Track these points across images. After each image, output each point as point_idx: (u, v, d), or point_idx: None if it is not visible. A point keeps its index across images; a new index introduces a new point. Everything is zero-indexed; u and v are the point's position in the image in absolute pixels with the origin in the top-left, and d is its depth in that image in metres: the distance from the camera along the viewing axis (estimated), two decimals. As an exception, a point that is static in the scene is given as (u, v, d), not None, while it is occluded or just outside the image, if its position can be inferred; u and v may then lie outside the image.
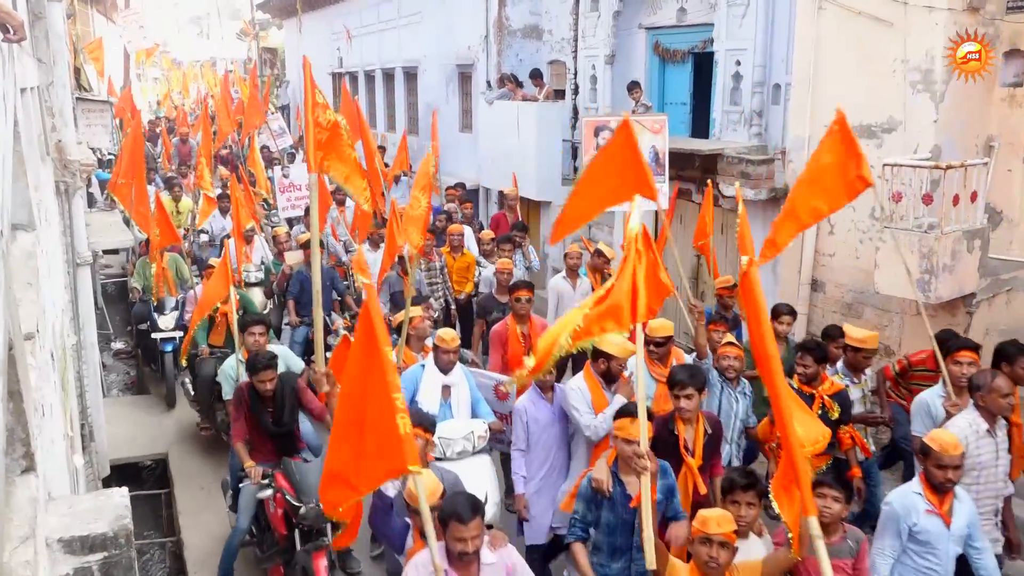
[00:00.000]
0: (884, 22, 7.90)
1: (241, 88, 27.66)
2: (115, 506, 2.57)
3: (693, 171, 10.35)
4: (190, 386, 8.85)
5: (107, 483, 7.74)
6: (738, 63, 9.93)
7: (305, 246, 9.50)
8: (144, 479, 8.71)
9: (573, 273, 8.47)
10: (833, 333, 6.44)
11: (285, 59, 31.39)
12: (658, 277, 4.38)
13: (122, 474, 8.24)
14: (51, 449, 3.10)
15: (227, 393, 6.92)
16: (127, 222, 12.23)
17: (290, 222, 13.14)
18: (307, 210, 11.59)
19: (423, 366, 6.02)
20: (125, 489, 2.71)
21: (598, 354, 5.28)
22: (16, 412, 2.25)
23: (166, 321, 9.65)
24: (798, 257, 8.87)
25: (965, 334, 7.29)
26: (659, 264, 4.48)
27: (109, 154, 19.49)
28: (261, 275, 10.02)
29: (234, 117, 19.73)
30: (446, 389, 5.89)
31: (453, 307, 9.54)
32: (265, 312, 9.27)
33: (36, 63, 6.19)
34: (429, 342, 6.46)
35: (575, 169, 13.59)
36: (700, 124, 11.12)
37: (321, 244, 8.85)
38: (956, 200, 7.26)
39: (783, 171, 9.26)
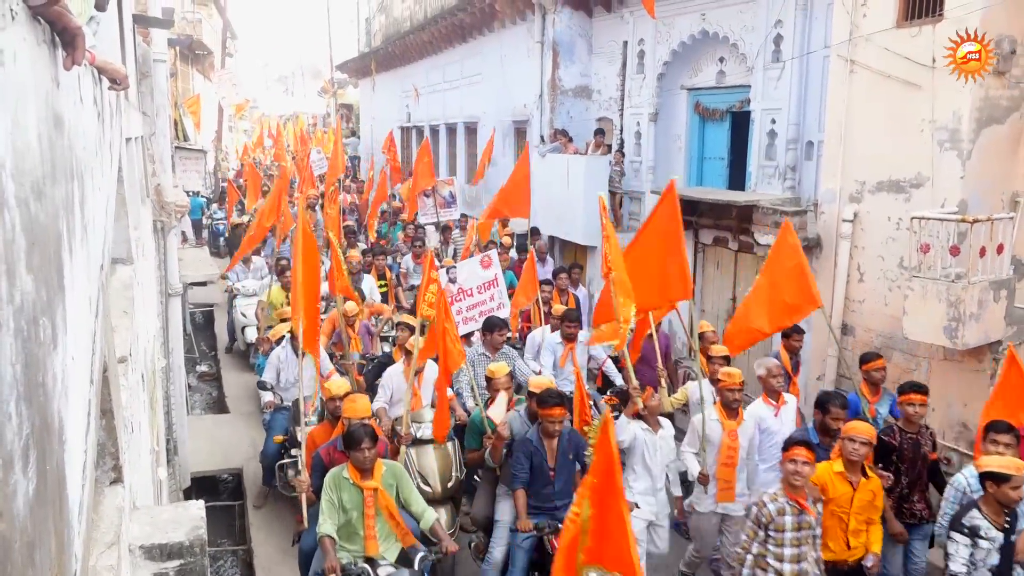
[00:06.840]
0: (913, 85, 7.75)
1: (331, 139, 27.80)
2: (192, 517, 2.58)
3: (730, 220, 10.23)
4: None
5: (188, 494, 7.84)
6: (773, 121, 9.83)
7: (537, 399, 5.61)
8: (221, 491, 8.80)
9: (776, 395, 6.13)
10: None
11: (360, 114, 32.12)
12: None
13: (201, 485, 8.35)
14: (138, 462, 3.14)
15: None
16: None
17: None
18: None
19: None
20: (201, 502, 2.72)
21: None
22: (107, 428, 2.28)
23: None
24: (829, 302, 8.66)
25: (991, 379, 7.02)
26: None
27: (204, 197, 19.53)
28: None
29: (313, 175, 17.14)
30: None
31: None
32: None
33: (141, 116, 6.42)
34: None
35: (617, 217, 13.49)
36: (737, 177, 11.00)
37: (561, 400, 5.46)
38: (983, 252, 7.04)
39: (815, 222, 9.09)
